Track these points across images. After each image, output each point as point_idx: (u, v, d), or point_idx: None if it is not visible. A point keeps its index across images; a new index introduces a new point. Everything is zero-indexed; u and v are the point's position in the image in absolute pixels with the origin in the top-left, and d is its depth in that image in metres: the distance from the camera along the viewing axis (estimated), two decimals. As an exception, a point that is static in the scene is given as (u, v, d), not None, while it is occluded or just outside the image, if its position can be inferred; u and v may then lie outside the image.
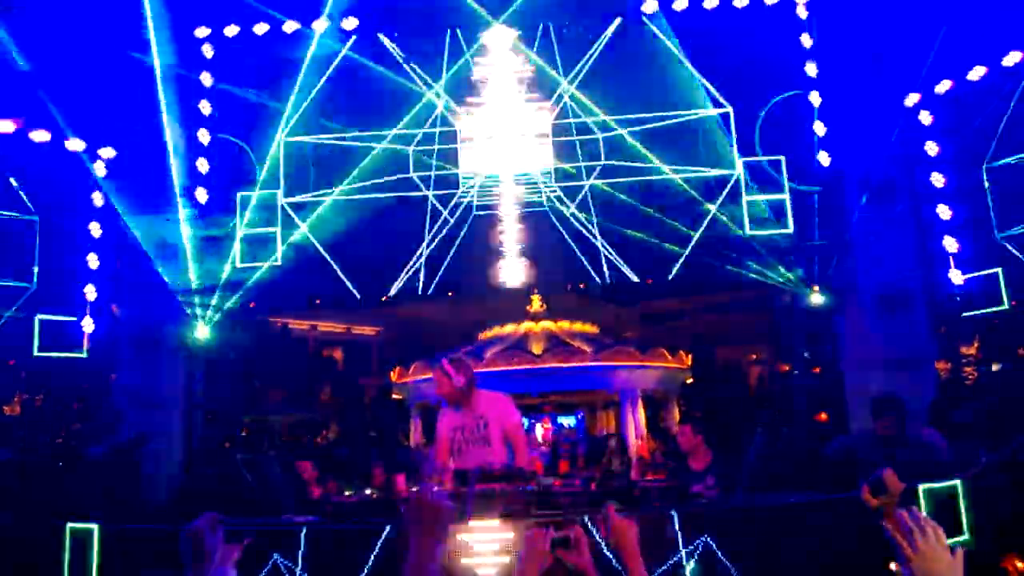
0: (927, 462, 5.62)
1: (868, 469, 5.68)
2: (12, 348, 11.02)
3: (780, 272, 9.74)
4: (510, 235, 10.25)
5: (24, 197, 9.41)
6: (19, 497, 7.97)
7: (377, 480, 7.79)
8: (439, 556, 1.87)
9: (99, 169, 9.80)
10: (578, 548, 2.68)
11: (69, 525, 5.28)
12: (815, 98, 9.83)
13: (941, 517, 2.47)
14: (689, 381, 20.32)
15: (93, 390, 13.25)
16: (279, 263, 9.97)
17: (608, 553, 4.44)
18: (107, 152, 9.85)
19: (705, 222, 9.73)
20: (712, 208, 9.78)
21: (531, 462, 6.30)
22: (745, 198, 9.60)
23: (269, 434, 19.76)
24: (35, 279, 9.34)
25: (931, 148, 9.58)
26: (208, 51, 10.47)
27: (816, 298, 9.58)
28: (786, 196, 9.56)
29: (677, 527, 4.98)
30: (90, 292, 9.69)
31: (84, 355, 9.40)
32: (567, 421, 19.34)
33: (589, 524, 4.80)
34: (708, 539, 4.92)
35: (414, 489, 1.91)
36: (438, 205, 10.11)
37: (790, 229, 9.58)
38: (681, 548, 4.89)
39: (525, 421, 18.74)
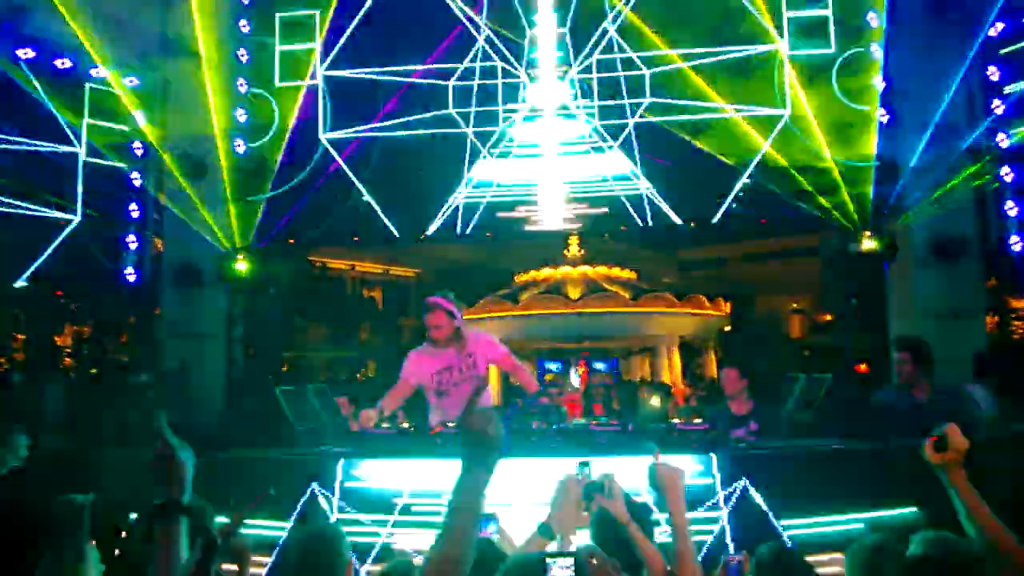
0: (956, 413, 5.45)
1: (894, 418, 5.57)
2: (59, 278, 11.24)
3: (830, 211, 9.42)
4: (550, 175, 10.08)
5: (67, 129, 9.47)
6: (72, 423, 8.22)
7: (344, 410, 7.64)
8: (487, 481, 1.81)
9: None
10: (612, 494, 2.65)
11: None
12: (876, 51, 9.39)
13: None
14: (727, 329, 20.17)
15: (138, 321, 13.55)
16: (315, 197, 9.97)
17: (647, 495, 4.41)
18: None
19: (754, 162, 9.42)
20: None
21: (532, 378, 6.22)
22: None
23: (308, 369, 20.15)
24: (79, 210, 9.47)
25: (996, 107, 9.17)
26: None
27: (867, 243, 9.27)
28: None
29: (715, 470, 4.93)
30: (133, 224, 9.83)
31: None
32: (601, 365, 19.38)
33: (625, 464, 4.77)
34: (746, 483, 4.87)
35: (472, 416, 1.87)
36: (477, 143, 9.96)
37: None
38: (719, 490, 4.84)
39: (558, 365, 18.87)
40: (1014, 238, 9.11)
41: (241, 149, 10.23)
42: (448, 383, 5.28)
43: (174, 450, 2.06)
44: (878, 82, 9.25)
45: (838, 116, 9.36)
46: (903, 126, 9.30)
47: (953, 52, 8.90)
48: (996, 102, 9.16)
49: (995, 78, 9.19)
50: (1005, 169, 9.13)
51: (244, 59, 10.34)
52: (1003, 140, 9.13)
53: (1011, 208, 9.12)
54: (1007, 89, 9.11)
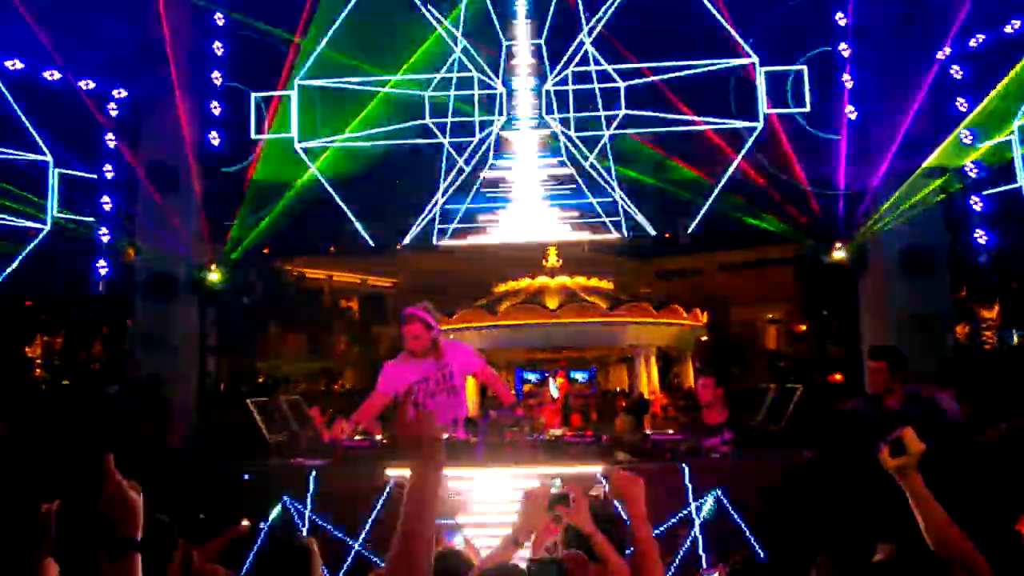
0: (928, 423, 5.50)
1: (865, 426, 5.62)
2: (29, 289, 11.05)
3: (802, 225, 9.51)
4: (527, 187, 10.09)
5: (37, 138, 9.33)
6: (49, 434, 8.06)
7: (316, 421, 7.59)
8: (437, 483, 1.79)
9: (111, 110, 9.70)
10: (576, 506, 2.64)
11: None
12: (844, 49, 9.53)
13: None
14: (704, 339, 20.27)
15: (110, 332, 13.37)
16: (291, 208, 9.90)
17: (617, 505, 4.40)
18: (119, 93, 9.73)
19: (727, 173, 9.50)
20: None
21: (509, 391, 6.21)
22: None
23: (284, 380, 19.97)
24: (49, 220, 9.32)
25: (961, 105, 9.32)
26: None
27: (838, 254, 9.36)
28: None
29: (688, 480, 4.94)
30: (104, 235, 9.69)
31: None
32: (579, 376, 19.41)
33: (600, 476, 4.77)
34: (719, 492, 4.88)
35: (406, 419, 1.85)
36: (454, 153, 9.95)
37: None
38: (691, 501, 4.85)
39: (536, 375, 18.86)
40: (981, 239, 9.29)
41: (216, 142, 10.10)
42: (425, 394, 5.24)
43: (123, 489, 2.03)
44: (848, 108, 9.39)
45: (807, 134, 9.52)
46: (870, 141, 9.45)
47: (918, 68, 9.06)
48: (965, 133, 9.33)
49: (962, 107, 9.39)
50: (975, 199, 9.31)
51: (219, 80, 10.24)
52: (967, 137, 9.30)
53: (980, 236, 9.28)
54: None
